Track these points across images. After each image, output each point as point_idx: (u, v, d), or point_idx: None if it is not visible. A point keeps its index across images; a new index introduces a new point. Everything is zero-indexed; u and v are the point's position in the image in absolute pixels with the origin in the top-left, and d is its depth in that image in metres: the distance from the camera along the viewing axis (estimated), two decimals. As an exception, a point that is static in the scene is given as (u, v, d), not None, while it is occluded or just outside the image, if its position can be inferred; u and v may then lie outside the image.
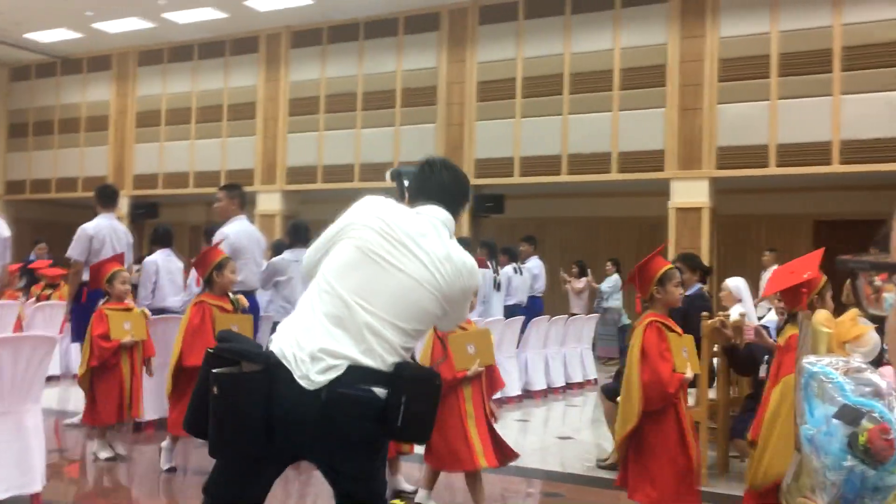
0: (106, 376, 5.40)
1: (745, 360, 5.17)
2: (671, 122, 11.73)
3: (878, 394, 1.43)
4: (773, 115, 11.16)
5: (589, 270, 12.62)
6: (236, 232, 6.18)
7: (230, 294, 5.28)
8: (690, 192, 11.59)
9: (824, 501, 1.58)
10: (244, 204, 6.54)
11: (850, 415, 1.44)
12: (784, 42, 11.14)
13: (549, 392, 9.09)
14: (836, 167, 10.83)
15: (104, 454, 5.52)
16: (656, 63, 11.88)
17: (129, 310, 5.56)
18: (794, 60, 11.05)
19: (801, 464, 1.73)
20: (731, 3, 11.50)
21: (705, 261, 10.86)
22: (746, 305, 6.63)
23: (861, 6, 10.73)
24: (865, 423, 1.43)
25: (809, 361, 1.52)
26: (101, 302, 5.66)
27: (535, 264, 10.58)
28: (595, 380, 10.17)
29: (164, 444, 5.31)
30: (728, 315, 5.61)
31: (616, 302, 12.51)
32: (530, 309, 9.91)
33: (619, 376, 5.58)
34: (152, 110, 16.03)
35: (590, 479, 5.43)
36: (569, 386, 9.57)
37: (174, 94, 15.86)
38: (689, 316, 5.44)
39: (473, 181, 13.10)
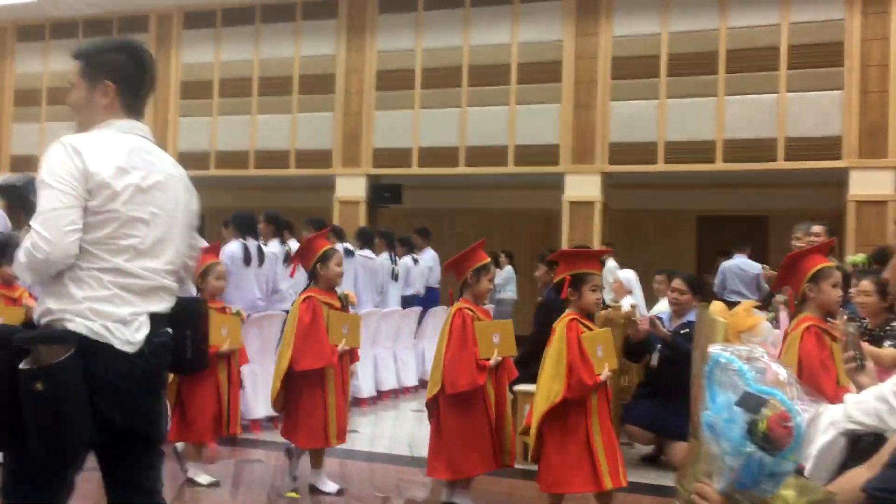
0: (200, 387, 4.69)
1: (639, 349, 5.36)
2: (566, 117, 11.99)
3: (779, 382, 1.51)
4: (661, 113, 11.57)
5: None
6: None
7: (337, 290, 4.80)
8: (583, 187, 11.89)
9: (720, 486, 1.65)
10: None
11: (751, 402, 1.51)
12: (673, 43, 11.56)
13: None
14: (719, 165, 11.33)
15: (204, 479, 4.81)
16: (552, 59, 12.11)
17: (223, 310, 4.91)
18: (682, 61, 11.49)
19: (698, 450, 1.80)
20: (624, 3, 11.84)
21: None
22: (636, 297, 6.87)
23: (745, 11, 11.25)
24: (766, 410, 1.50)
25: (715, 349, 1.58)
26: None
27: (430, 256, 10.63)
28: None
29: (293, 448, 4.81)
30: (620, 306, 5.79)
31: (510, 293, 12.72)
32: (427, 299, 9.95)
33: (517, 365, 5.69)
34: (33, 89, 15.19)
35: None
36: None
37: (56, 73, 15.07)
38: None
39: (371, 171, 13.05)
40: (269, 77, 13.64)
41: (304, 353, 4.47)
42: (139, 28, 14.48)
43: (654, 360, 5.35)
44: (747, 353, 1.55)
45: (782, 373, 1.52)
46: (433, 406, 4.42)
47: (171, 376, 4.65)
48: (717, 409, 1.59)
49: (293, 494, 4.66)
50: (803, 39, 10.96)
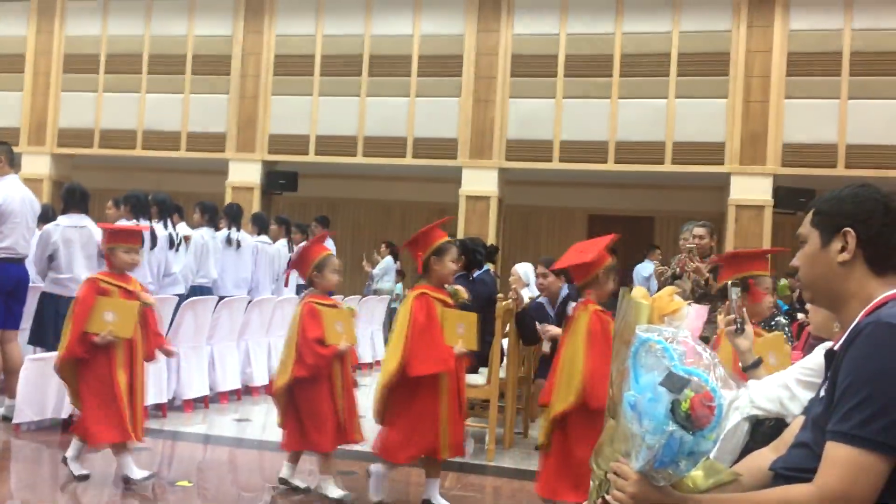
0: (316, 392, 4.27)
1: (533, 333, 5.52)
2: (465, 112, 12.08)
3: (703, 363, 1.55)
4: (558, 112, 11.82)
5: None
6: (5, 192, 5.58)
7: (447, 286, 4.36)
8: (480, 181, 12.01)
9: (638, 465, 1.69)
10: (13, 162, 5.91)
11: (675, 382, 1.55)
12: (571, 44, 11.82)
13: (356, 368, 9.08)
14: (611, 165, 11.68)
15: (335, 492, 4.30)
16: (453, 53, 12.17)
17: (334, 305, 4.49)
18: (579, 63, 11.77)
19: (616, 430, 1.84)
20: (525, 1, 12.02)
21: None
22: (532, 289, 7.01)
23: (639, 17, 11.63)
24: (689, 391, 1.55)
25: (642, 329, 1.61)
26: (305, 294, 4.53)
27: (328, 244, 10.49)
28: (384, 360, 10.29)
29: (374, 468, 4.33)
30: (521, 298, 5.88)
31: (388, 283, 12.74)
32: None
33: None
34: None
35: (384, 460, 5.47)
36: (359, 366, 9.60)
37: None
38: (475, 295, 5.66)
39: (267, 157, 12.77)
40: (160, 55, 13.13)
41: (419, 355, 4.07)
42: (19, -5, 13.66)
43: (546, 346, 5.49)
44: (673, 334, 1.59)
45: (706, 355, 1.57)
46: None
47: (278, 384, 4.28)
48: (641, 388, 1.62)
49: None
50: (692, 48, 11.42)
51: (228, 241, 7.93)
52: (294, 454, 4.50)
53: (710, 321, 5.18)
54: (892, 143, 10.69)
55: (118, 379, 4.28)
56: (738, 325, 2.90)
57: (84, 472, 4.44)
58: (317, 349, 4.22)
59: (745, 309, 3.00)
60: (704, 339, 3.82)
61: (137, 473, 4.35)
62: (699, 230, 6.44)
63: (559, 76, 11.83)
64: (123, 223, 6.42)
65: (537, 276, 5.74)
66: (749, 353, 2.88)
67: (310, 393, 4.28)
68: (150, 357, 4.52)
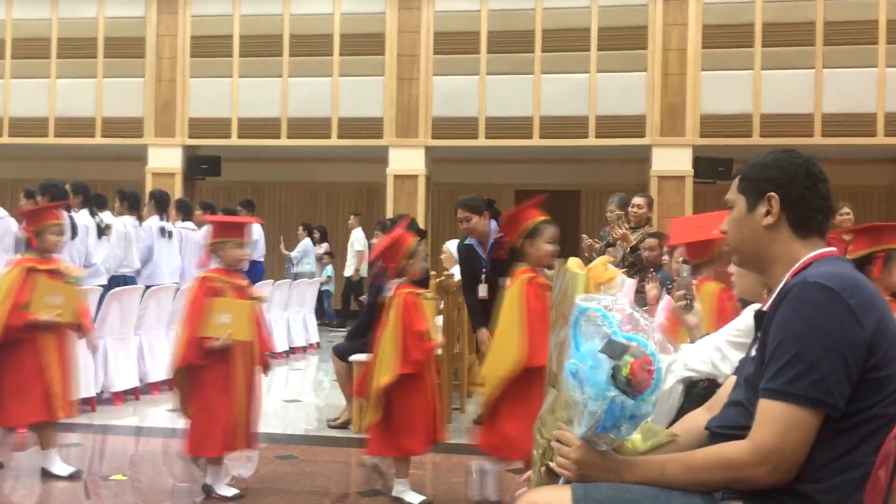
0: (413, 390, 3.97)
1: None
2: (390, 90, 12.00)
3: (641, 329, 1.59)
4: (482, 89, 11.85)
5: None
6: None
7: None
8: (407, 160, 11.98)
9: (580, 431, 1.73)
10: None
11: (615, 349, 1.59)
12: (492, 20, 11.84)
13: (272, 356, 8.98)
14: (536, 141, 11.79)
15: (413, 497, 4.01)
16: (375, 31, 12.05)
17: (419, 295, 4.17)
18: (501, 39, 11.80)
19: (557, 399, 1.87)
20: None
21: (421, 225, 11.35)
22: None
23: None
24: (628, 357, 1.59)
25: (582, 298, 1.64)
26: (393, 284, 4.14)
27: (255, 229, 10.34)
28: (317, 343, 10.23)
29: (482, 465, 4.01)
30: (453, 275, 5.91)
31: (308, 266, 12.69)
32: (252, 273, 9.67)
33: (351, 336, 5.68)
34: None
35: (321, 439, 5.47)
36: (292, 350, 9.53)
37: None
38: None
39: (187, 141, 12.46)
40: (69, 38, 12.63)
41: (541, 344, 3.77)
42: (-87, -23, 12.94)
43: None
44: (611, 302, 1.62)
45: (643, 321, 1.61)
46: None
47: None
48: (582, 357, 1.66)
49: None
50: (612, 22, 11.57)
51: (162, 231, 7.76)
52: (216, 458, 4.09)
53: (639, 291, 5.31)
54: (804, 112, 11.06)
55: (236, 387, 3.98)
56: (688, 302, 2.85)
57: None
58: (423, 344, 3.95)
59: (693, 285, 2.98)
60: None
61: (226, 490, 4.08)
62: (638, 199, 6.58)
63: (482, 53, 11.84)
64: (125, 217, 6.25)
65: (459, 220, 5.48)
66: (697, 328, 2.84)
67: (407, 392, 3.97)
68: (262, 363, 4.20)
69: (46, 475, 4.28)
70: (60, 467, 4.28)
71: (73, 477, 4.27)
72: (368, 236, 11.71)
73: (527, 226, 3.96)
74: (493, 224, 5.39)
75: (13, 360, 4.15)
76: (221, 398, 3.94)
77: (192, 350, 3.90)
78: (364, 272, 12.14)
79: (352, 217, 12.75)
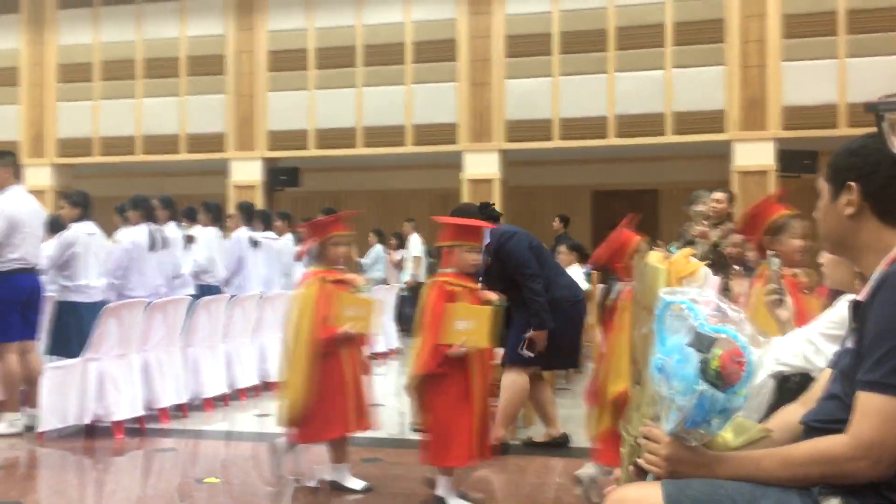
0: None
1: None
2: (462, 96, 12.05)
3: (730, 321, 1.56)
4: (555, 90, 11.79)
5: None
6: (13, 203, 5.59)
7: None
8: (481, 164, 12.00)
9: (669, 427, 1.70)
10: (19, 173, 5.95)
11: (703, 342, 1.56)
12: (564, 21, 11.77)
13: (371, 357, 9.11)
14: (612, 140, 11.65)
15: None
16: (447, 38, 12.13)
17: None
18: (574, 39, 11.72)
19: (642, 395, 1.85)
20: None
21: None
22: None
23: (632, -10, 11.56)
24: (717, 349, 1.55)
25: (666, 292, 1.62)
26: (624, 286, 3.83)
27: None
28: (398, 349, 10.32)
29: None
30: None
31: (378, 272, 12.75)
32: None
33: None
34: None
35: (405, 442, 5.50)
36: (373, 356, 9.63)
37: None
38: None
39: (267, 154, 12.77)
40: (153, 58, 13.12)
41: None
42: (9, 9, 13.65)
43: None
44: (697, 294, 1.60)
45: (731, 312, 1.58)
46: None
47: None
48: (668, 351, 1.63)
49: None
50: (687, 17, 11.36)
51: (252, 241, 7.98)
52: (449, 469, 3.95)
53: (725, 289, 5.18)
54: (893, 100, 10.63)
55: (475, 395, 3.87)
56: (779, 296, 2.77)
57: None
58: None
59: (784, 279, 2.90)
60: None
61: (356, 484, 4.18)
62: (718, 194, 6.43)
63: (554, 54, 11.79)
64: (141, 227, 6.46)
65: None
66: (789, 323, 2.75)
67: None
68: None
69: (338, 489, 4.27)
70: (353, 482, 4.26)
71: (365, 491, 4.22)
72: (434, 241, 11.72)
73: (771, 222, 3.65)
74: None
75: (317, 375, 4.06)
76: (462, 406, 3.85)
77: (433, 358, 3.80)
78: (422, 278, 12.13)
79: (406, 223, 12.65)
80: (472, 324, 3.77)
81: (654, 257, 1.96)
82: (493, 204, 5.65)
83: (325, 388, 4.05)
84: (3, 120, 13.58)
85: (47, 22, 13.52)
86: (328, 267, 4.17)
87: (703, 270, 2.74)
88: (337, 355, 4.08)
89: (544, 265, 5.13)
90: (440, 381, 3.83)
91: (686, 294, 1.61)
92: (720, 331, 1.55)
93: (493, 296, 4.10)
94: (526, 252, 5.00)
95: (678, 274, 2.36)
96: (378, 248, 12.86)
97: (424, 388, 3.88)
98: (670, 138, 11.47)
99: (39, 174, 13.38)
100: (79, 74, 13.41)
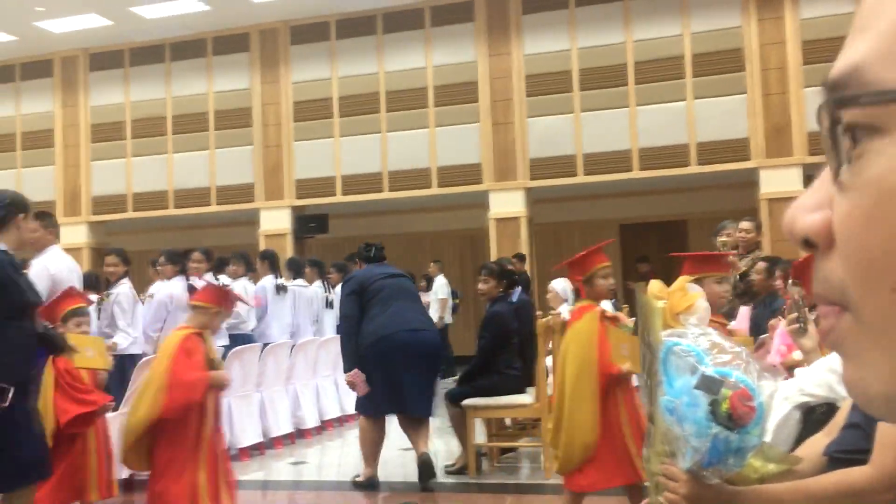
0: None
1: None
2: (486, 136, 12.17)
3: (735, 360, 1.58)
4: (577, 126, 11.86)
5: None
6: (55, 262, 5.78)
7: None
8: (507, 203, 12.06)
9: (685, 465, 1.71)
10: (57, 233, 6.14)
11: (710, 384, 1.58)
12: (583, 58, 11.89)
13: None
14: (636, 173, 11.66)
15: None
16: (467, 80, 12.30)
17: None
18: (593, 75, 11.81)
19: (655, 433, 1.86)
20: (532, 21, 12.12)
21: (526, 266, 11.37)
22: (571, 304, 7.01)
23: (648, 24, 11.66)
24: (725, 390, 1.57)
25: (667, 334, 1.64)
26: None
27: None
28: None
29: None
30: (558, 314, 5.90)
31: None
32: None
33: (462, 381, 5.73)
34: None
35: (440, 485, 5.50)
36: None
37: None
38: (521, 317, 5.69)
39: (295, 202, 12.95)
40: (182, 114, 13.44)
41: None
42: (42, 73, 14.10)
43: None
44: (698, 335, 1.62)
45: (737, 350, 1.60)
46: None
47: None
48: (676, 393, 1.65)
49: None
50: (705, 48, 11.41)
51: (278, 288, 8.10)
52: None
53: (754, 320, 5.12)
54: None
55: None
56: (802, 325, 2.73)
57: None
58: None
59: (807, 308, 2.88)
60: (760, 345, 3.80)
61: None
62: (745, 224, 6.39)
63: (575, 91, 11.89)
64: (175, 281, 6.61)
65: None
66: (814, 352, 2.71)
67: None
68: None
69: None
70: None
71: None
72: (463, 282, 11.73)
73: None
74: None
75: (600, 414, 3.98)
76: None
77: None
78: (448, 319, 12.12)
79: (432, 264, 12.72)
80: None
81: (655, 287, 1.98)
82: (380, 246, 5.97)
83: (611, 429, 3.92)
84: (39, 180, 13.95)
85: (80, 84, 13.94)
86: (594, 301, 4.08)
87: (701, 302, 2.73)
88: (614, 395, 3.96)
89: (373, 306, 5.36)
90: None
91: (687, 335, 1.63)
92: (726, 374, 1.57)
93: (628, 321, 4.08)
94: (344, 296, 5.56)
95: (675, 309, 2.36)
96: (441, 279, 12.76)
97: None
98: (695, 169, 11.46)
99: (75, 232, 13.69)
100: (111, 133, 13.77)
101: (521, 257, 10.92)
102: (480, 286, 5.89)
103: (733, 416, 1.57)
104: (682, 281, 2.79)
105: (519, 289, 6.22)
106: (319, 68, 12.90)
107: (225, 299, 4.29)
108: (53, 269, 5.61)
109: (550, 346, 5.69)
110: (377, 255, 5.67)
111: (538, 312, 5.73)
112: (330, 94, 12.83)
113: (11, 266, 3.74)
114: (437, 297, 12.42)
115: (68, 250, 13.94)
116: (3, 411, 3.35)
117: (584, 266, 4.06)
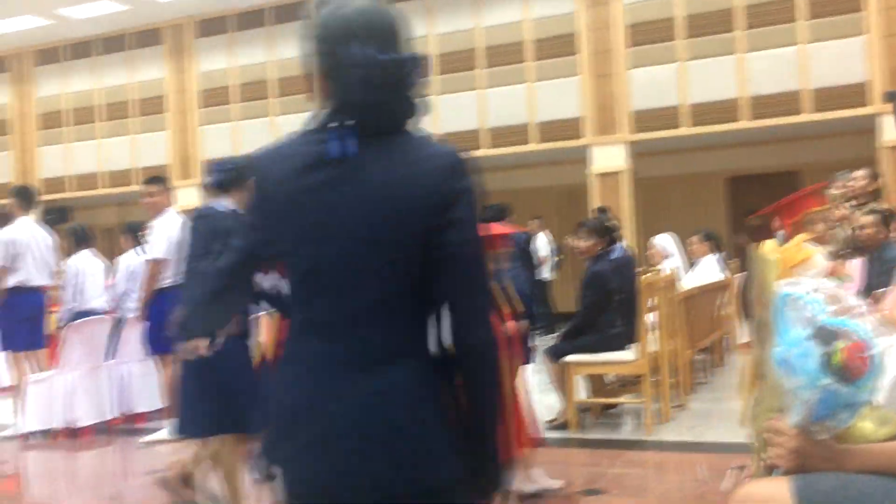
0: None
1: None
2: (586, 89, 11.92)
3: (852, 312, 1.51)
4: (682, 76, 11.46)
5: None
6: (15, 233, 6.32)
7: None
8: (609, 158, 11.82)
9: (794, 420, 1.65)
10: (29, 206, 6.64)
11: (825, 335, 1.51)
12: (688, 4, 11.43)
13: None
14: (745, 123, 11.21)
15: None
16: (566, 32, 12.03)
17: None
18: (699, 21, 11.35)
19: (765, 387, 1.81)
20: (634, -32, 11.72)
21: (626, 222, 11.17)
22: (676, 260, 6.85)
23: (758, -35, 11.08)
24: (839, 343, 1.51)
25: (782, 284, 1.58)
26: None
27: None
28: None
29: None
30: (660, 270, 5.78)
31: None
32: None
33: (565, 337, 5.71)
34: (54, 111, 15.40)
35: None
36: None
37: (76, 93, 15.27)
38: (622, 274, 5.60)
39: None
40: (285, 77, 13.69)
41: None
42: (152, 41, 14.61)
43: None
44: (815, 285, 1.55)
45: (853, 303, 1.53)
46: None
47: None
48: (789, 344, 1.60)
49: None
50: (821, -13, 10.78)
51: None
52: None
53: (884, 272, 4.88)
54: None
55: None
56: None
57: None
58: None
59: None
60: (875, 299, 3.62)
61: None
62: (858, 173, 6.08)
63: (679, 38, 11.47)
64: None
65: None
66: None
67: None
68: None
69: None
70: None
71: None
72: (562, 238, 11.67)
73: None
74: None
75: None
76: None
77: None
78: (550, 276, 12.07)
79: (533, 221, 12.55)
80: None
81: (767, 247, 1.91)
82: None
83: None
84: (154, 145, 14.56)
85: (186, 50, 14.38)
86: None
87: (818, 258, 2.61)
88: None
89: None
90: None
91: (803, 285, 1.57)
92: (842, 324, 1.51)
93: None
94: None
95: (790, 263, 2.26)
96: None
97: None
98: (809, 116, 10.91)
99: (190, 194, 14.25)
100: (218, 98, 14.19)
101: (602, 210, 10.72)
102: (580, 244, 5.81)
103: (846, 368, 1.51)
104: (799, 238, 2.69)
105: (619, 245, 6.10)
106: (415, 26, 12.86)
107: None
108: (178, 233, 5.91)
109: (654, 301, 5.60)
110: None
111: (640, 269, 5.60)
112: (427, 50, 12.80)
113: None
114: (540, 254, 12.38)
115: (183, 211, 14.55)
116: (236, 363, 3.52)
117: (795, 211, 3.81)
